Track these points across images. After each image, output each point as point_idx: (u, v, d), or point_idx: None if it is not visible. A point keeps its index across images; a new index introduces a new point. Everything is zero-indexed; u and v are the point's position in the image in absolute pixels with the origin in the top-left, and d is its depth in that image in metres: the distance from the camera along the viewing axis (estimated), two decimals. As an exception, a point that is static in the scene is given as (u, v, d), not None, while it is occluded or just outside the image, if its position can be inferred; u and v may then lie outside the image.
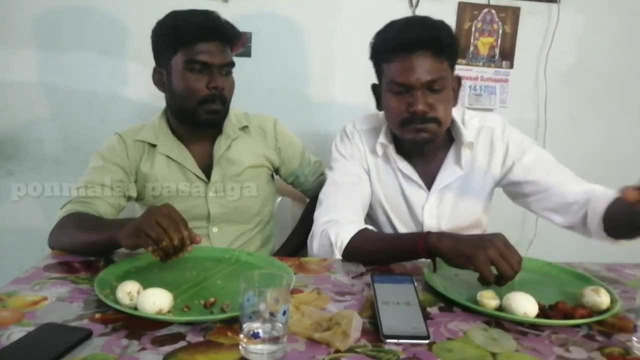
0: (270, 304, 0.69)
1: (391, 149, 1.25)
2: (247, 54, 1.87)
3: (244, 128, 1.37)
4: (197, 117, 1.24)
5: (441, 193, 1.26)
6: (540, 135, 2.12)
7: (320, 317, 0.79)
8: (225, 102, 1.26)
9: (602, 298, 0.86)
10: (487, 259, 0.87)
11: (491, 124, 1.26)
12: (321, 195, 1.24)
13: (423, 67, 1.11)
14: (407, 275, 0.88)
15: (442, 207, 1.27)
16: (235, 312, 0.75)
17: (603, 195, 1.10)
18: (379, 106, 1.25)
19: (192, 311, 0.79)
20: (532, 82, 2.10)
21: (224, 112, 1.28)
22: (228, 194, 1.32)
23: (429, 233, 0.96)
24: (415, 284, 0.87)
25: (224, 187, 1.31)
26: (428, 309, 0.86)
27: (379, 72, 1.21)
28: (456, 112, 1.24)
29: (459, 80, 1.21)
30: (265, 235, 1.43)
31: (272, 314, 0.69)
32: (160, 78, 1.27)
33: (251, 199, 1.35)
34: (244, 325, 0.68)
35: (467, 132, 1.22)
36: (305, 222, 1.46)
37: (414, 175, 1.25)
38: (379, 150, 1.26)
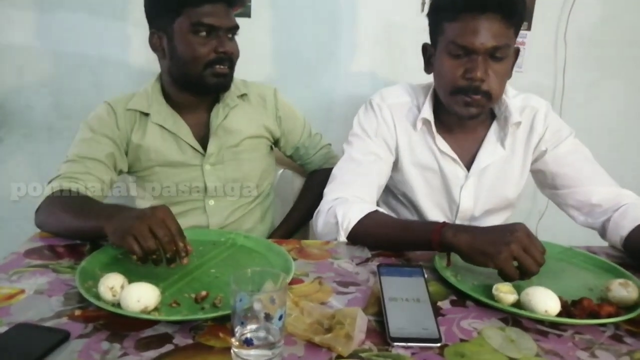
0: (265, 305, 0.62)
1: (433, 126, 1.16)
2: (246, 14, 1.74)
3: (243, 96, 1.28)
4: (204, 82, 1.15)
5: (481, 173, 1.18)
6: (557, 101, 2.00)
7: (322, 315, 0.72)
8: (232, 66, 1.18)
9: (630, 293, 0.78)
10: (509, 256, 0.79)
11: (535, 104, 1.18)
12: (335, 170, 1.16)
13: (490, 31, 1.00)
14: (417, 266, 0.81)
15: (480, 188, 1.19)
16: (228, 309, 0.68)
17: (633, 211, 1.05)
18: (428, 69, 1.15)
19: (181, 307, 0.73)
20: (550, 45, 1.96)
21: (231, 75, 1.20)
22: (226, 166, 1.24)
23: (444, 225, 0.88)
24: (426, 275, 0.80)
25: (221, 158, 1.23)
26: (439, 303, 0.79)
27: (436, 31, 1.10)
28: None
29: (517, 51, 1.10)
30: (264, 208, 1.36)
31: (267, 316, 0.62)
32: (159, 43, 1.17)
33: (250, 172, 1.27)
34: (236, 330, 0.61)
35: (514, 111, 1.13)
36: (305, 197, 1.39)
37: (454, 154, 1.17)
38: (419, 126, 1.16)
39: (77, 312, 0.70)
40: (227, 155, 1.24)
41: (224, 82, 1.19)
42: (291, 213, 1.39)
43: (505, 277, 0.81)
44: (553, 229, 1.75)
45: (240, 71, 1.28)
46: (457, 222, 1.22)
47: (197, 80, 1.16)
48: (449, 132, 1.17)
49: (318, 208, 1.11)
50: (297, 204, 1.41)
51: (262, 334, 0.61)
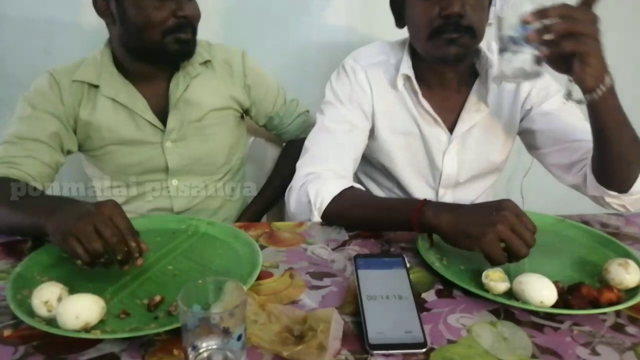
0: (224, 318, 0.54)
1: (414, 82, 1.05)
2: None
3: (206, 63, 1.14)
4: (165, 50, 1.02)
5: (464, 136, 1.09)
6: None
7: (292, 320, 0.64)
8: (195, 31, 1.05)
9: (631, 275, 0.71)
10: (496, 238, 0.70)
11: None
12: (307, 142, 1.06)
13: None
14: (398, 256, 0.72)
15: (465, 151, 1.10)
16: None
17: None
18: (399, 22, 1.05)
19: (131, 317, 0.64)
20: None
21: (194, 42, 1.07)
22: (189, 143, 1.12)
23: (424, 204, 0.79)
24: (408, 265, 0.72)
25: (184, 134, 1.11)
26: (423, 295, 0.71)
27: None
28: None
29: None
30: (234, 185, 1.26)
31: (226, 330, 0.54)
32: (106, 6, 1.02)
33: (217, 148, 1.16)
34: (189, 353, 0.53)
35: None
36: (281, 170, 1.29)
37: (436, 115, 1.07)
38: (400, 84, 1.05)
39: (7, 332, 0.60)
40: (189, 130, 1.12)
41: (187, 50, 1.06)
42: (265, 187, 1.29)
43: (492, 262, 0.73)
44: (538, 186, 1.69)
45: (200, 31, 1.14)
46: (441, 190, 1.15)
47: (156, 49, 1.02)
48: (430, 92, 1.07)
49: (290, 184, 1.01)
50: (271, 177, 1.31)
51: (219, 357, 0.52)
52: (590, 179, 0.99)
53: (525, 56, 0.78)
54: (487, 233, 0.71)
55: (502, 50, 0.79)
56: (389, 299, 0.65)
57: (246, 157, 1.34)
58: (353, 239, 0.88)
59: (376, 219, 0.87)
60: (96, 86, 1.07)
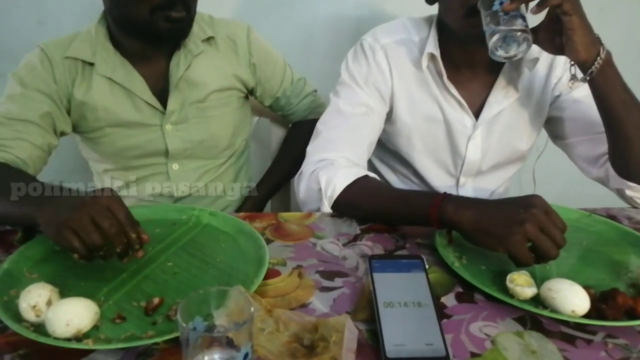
0: (228, 328, 0.49)
1: (440, 62, 0.97)
2: None
3: (209, 40, 1.06)
4: (154, 28, 0.93)
5: (491, 122, 1.02)
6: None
7: (301, 327, 0.58)
8: (189, 8, 0.96)
9: (669, 281, 0.66)
10: (524, 238, 0.64)
11: None
12: (319, 125, 0.99)
13: None
14: (417, 257, 0.66)
15: (490, 138, 1.03)
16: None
17: None
18: None
19: (127, 322, 0.59)
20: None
21: (189, 19, 0.98)
22: (190, 125, 1.06)
23: (444, 199, 0.73)
24: (427, 266, 0.66)
25: (185, 116, 1.05)
26: (442, 299, 0.66)
27: None
28: None
29: None
30: (238, 168, 1.19)
31: (229, 341, 0.49)
32: None
33: (219, 131, 1.09)
34: (189, 369, 0.48)
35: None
36: (288, 152, 1.22)
37: (461, 99, 0.99)
38: (424, 64, 0.97)
39: (-8, 339, 0.56)
40: (191, 112, 1.05)
41: (180, 28, 0.97)
42: (271, 171, 1.22)
43: (518, 263, 0.67)
44: (551, 169, 1.63)
45: (202, 4, 1.06)
46: (462, 178, 1.08)
47: (144, 27, 0.94)
48: (456, 73, 0.99)
49: (300, 170, 0.95)
50: (277, 160, 1.24)
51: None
52: (611, 170, 0.94)
53: (513, 24, 0.78)
54: (514, 233, 0.65)
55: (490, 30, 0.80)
56: (407, 306, 0.59)
57: (250, 138, 1.28)
58: (365, 233, 0.82)
59: (391, 212, 0.81)
60: (91, 64, 1.00)
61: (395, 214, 0.81)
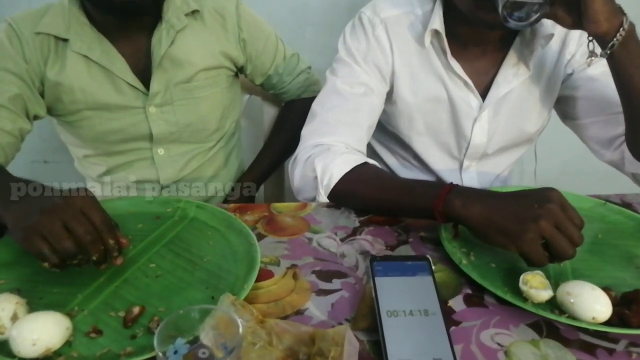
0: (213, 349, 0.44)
1: (444, 39, 0.89)
2: None
3: (194, 13, 0.97)
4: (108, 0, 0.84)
5: (499, 103, 0.95)
6: None
7: (297, 338, 0.53)
8: None
9: (695, 280, 0.61)
10: (538, 236, 0.59)
11: None
12: (315, 105, 0.92)
13: None
14: (422, 258, 0.61)
15: (497, 120, 0.96)
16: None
17: None
18: None
19: (103, 336, 0.53)
20: None
21: None
22: (176, 107, 0.98)
23: (450, 190, 0.67)
24: (433, 267, 0.60)
25: (169, 98, 0.97)
26: (450, 302, 0.60)
27: None
28: None
29: None
30: (228, 151, 1.13)
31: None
32: None
33: (207, 113, 1.02)
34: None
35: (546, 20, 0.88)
36: (281, 132, 1.16)
37: (467, 78, 0.92)
38: (427, 41, 0.90)
39: (-49, 359, 0.50)
40: (176, 93, 0.97)
41: (139, 2, 0.85)
42: (263, 154, 1.16)
43: (531, 263, 0.61)
44: (553, 145, 1.57)
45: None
46: (465, 161, 1.02)
47: None
48: (462, 50, 0.91)
49: (294, 155, 0.88)
50: (269, 142, 1.17)
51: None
52: (627, 153, 0.88)
53: None
54: (527, 230, 0.59)
55: None
56: (413, 316, 0.54)
57: (241, 118, 1.21)
58: (364, 225, 0.76)
59: (392, 203, 0.75)
60: (65, 40, 0.92)
61: (396, 206, 0.75)
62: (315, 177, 0.81)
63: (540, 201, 0.61)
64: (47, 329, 0.49)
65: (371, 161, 0.83)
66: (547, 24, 0.88)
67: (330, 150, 0.83)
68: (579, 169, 1.78)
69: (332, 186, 0.80)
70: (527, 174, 1.35)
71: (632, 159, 0.88)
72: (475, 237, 0.66)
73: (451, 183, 0.69)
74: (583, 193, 0.84)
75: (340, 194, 0.80)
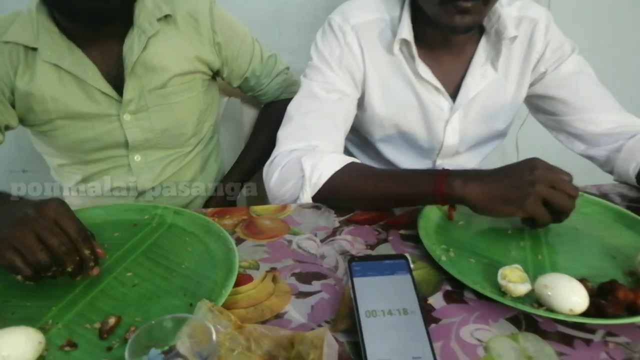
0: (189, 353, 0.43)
1: (413, 47, 0.90)
2: None
3: (167, 18, 0.96)
4: (73, 5, 0.81)
5: (468, 104, 0.96)
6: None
7: (276, 342, 0.53)
8: None
9: (671, 268, 0.61)
10: (539, 198, 0.65)
11: (534, 14, 0.95)
12: (291, 108, 0.91)
13: None
14: (400, 257, 0.60)
15: (468, 120, 0.98)
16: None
17: None
18: None
19: (78, 349, 0.52)
20: None
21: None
22: (151, 114, 0.97)
23: (448, 174, 0.70)
24: (412, 266, 0.60)
25: (144, 104, 0.96)
26: (429, 300, 0.60)
27: None
28: None
29: None
30: (206, 156, 1.12)
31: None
32: None
33: (184, 118, 1.01)
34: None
35: (509, 23, 0.90)
36: (258, 138, 1.15)
37: (437, 82, 0.93)
38: (396, 49, 0.90)
39: None
40: (151, 99, 0.95)
41: (104, 9, 0.82)
42: (243, 156, 1.15)
43: (538, 224, 0.69)
44: (534, 138, 1.59)
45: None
46: (438, 160, 1.04)
47: (63, 4, 0.82)
48: (430, 53, 0.92)
49: (271, 159, 0.88)
50: (249, 144, 1.17)
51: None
52: (626, 176, 0.91)
53: None
54: (529, 195, 0.65)
55: None
56: (392, 315, 0.54)
57: (219, 122, 1.20)
58: (344, 225, 0.76)
59: (391, 193, 0.75)
60: (34, 49, 0.90)
61: (395, 194, 0.75)
62: (302, 177, 0.81)
63: (529, 169, 0.67)
64: (18, 344, 0.48)
65: (357, 160, 0.83)
66: (510, 27, 0.89)
67: (315, 150, 0.83)
68: (557, 161, 1.81)
69: (321, 184, 0.79)
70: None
71: (622, 170, 0.91)
72: (479, 213, 0.69)
73: (444, 168, 0.72)
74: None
75: (328, 193, 0.79)
